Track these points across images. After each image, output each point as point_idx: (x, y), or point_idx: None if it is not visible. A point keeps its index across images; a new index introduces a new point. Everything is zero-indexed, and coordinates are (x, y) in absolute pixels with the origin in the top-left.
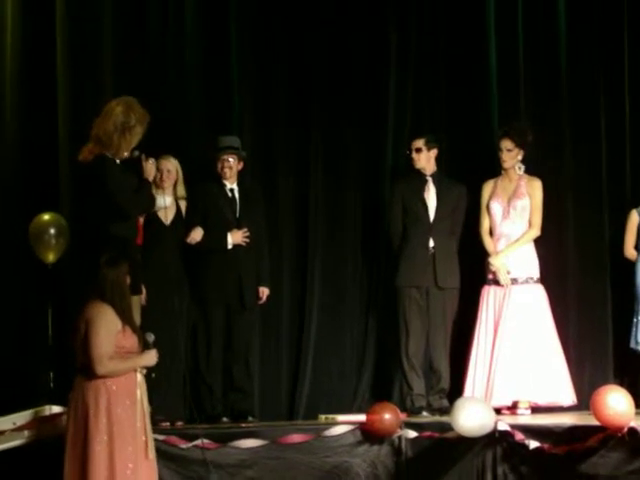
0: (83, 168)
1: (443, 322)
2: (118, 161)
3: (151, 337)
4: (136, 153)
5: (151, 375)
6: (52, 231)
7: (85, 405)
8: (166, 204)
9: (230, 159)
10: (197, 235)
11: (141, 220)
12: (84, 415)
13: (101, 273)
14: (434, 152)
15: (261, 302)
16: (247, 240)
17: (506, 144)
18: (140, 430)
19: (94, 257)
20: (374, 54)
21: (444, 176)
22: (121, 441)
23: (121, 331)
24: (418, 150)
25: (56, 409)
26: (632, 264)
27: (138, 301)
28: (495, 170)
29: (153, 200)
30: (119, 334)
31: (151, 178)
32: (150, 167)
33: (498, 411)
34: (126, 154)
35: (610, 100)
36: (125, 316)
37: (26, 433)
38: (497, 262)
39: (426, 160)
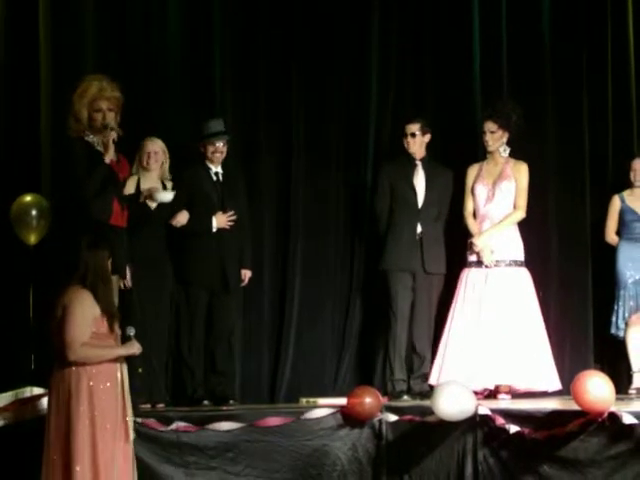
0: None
1: (428, 307)
2: (94, 139)
3: (131, 331)
4: (112, 129)
5: (138, 370)
6: (34, 212)
7: (66, 390)
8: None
9: (221, 144)
10: (183, 218)
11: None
12: (65, 400)
13: (82, 258)
14: (427, 137)
15: (243, 284)
16: (232, 223)
17: (489, 126)
18: (120, 412)
19: (73, 240)
20: (357, 36)
21: (432, 161)
22: (103, 423)
23: (99, 318)
24: (413, 135)
25: (37, 390)
26: (613, 249)
27: (116, 282)
28: (477, 155)
29: (105, 176)
30: (97, 320)
31: (109, 154)
32: (106, 134)
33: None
34: (88, 133)
35: (593, 83)
36: (105, 302)
37: (7, 414)
38: (480, 242)
39: (419, 145)
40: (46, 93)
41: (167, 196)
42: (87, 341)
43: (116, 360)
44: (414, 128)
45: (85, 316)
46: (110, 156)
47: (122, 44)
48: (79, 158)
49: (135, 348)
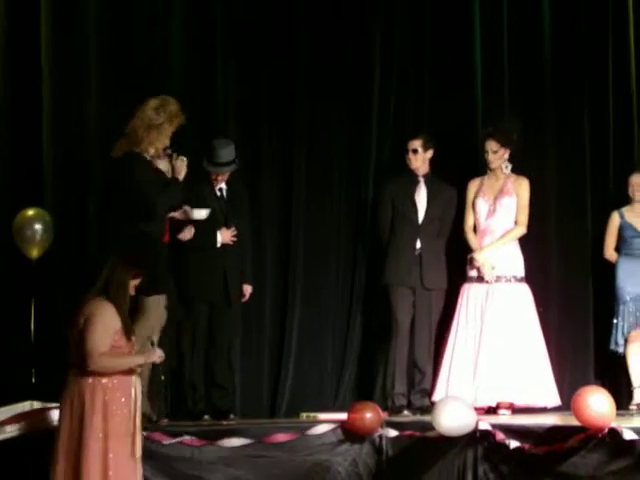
0: (113, 164)
1: (429, 322)
2: (148, 157)
3: (153, 338)
4: (169, 152)
5: (160, 377)
6: (36, 226)
7: (81, 402)
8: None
9: (225, 173)
10: (189, 233)
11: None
12: (79, 412)
13: (111, 271)
14: (430, 153)
15: (245, 300)
16: (235, 239)
17: (491, 145)
18: (132, 428)
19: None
20: (358, 53)
21: (435, 178)
22: (115, 438)
23: (119, 331)
24: (415, 151)
25: (37, 405)
26: (613, 266)
27: (163, 301)
28: (478, 170)
29: (180, 198)
30: (117, 334)
31: (181, 176)
32: (180, 165)
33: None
34: (152, 151)
35: (594, 101)
36: (124, 316)
37: (7, 428)
38: (481, 257)
39: (422, 161)
40: (48, 107)
41: (202, 213)
42: (106, 351)
43: (131, 374)
44: (416, 144)
45: (107, 327)
46: (181, 178)
47: (126, 61)
48: (148, 175)
49: (156, 356)
